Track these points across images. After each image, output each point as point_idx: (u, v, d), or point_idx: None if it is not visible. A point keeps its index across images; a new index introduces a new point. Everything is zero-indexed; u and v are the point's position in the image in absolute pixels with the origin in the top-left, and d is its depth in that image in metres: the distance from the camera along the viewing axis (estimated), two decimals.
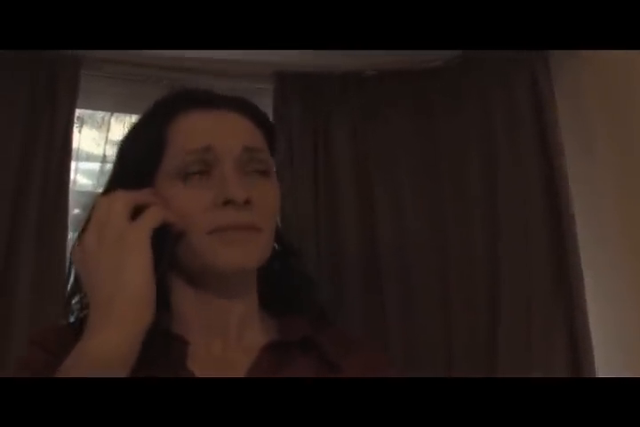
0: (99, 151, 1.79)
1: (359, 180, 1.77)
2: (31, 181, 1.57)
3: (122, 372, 0.65)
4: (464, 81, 1.76)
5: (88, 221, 0.74)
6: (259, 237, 0.75)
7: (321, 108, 1.78)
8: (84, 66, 1.66)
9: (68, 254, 1.63)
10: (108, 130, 1.80)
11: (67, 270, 0.82)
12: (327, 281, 1.69)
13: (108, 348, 0.65)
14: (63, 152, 1.62)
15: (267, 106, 1.76)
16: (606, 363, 1.56)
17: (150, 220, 0.71)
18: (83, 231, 0.75)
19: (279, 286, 0.87)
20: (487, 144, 1.72)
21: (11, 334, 1.48)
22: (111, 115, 1.80)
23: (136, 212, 0.72)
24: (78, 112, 1.71)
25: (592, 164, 1.61)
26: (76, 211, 1.77)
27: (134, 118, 1.79)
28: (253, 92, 1.84)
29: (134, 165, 0.79)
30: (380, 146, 1.78)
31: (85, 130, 1.79)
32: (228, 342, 0.79)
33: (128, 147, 0.83)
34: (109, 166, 1.76)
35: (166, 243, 0.74)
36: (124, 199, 0.71)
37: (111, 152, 1.80)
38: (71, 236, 1.70)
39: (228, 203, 0.73)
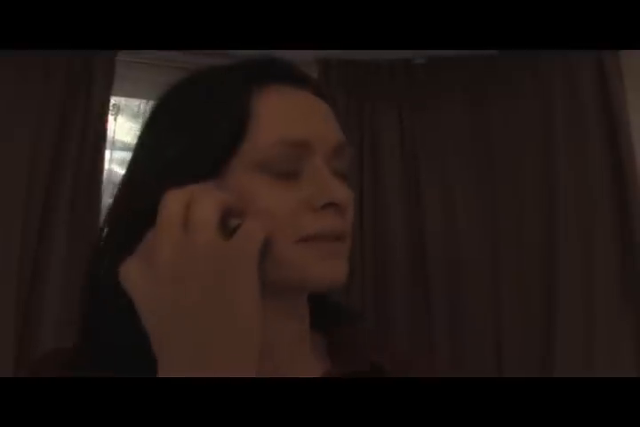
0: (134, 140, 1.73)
1: (406, 174, 1.68)
2: (64, 170, 1.52)
3: None
4: (522, 70, 1.65)
5: (128, 218, 0.56)
6: (347, 248, 0.61)
7: (367, 97, 1.69)
8: (120, 52, 1.60)
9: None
10: (144, 118, 1.73)
11: (89, 289, 0.60)
12: (372, 278, 1.62)
13: None
14: (97, 140, 1.56)
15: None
16: None
17: (256, 240, 0.52)
18: (119, 233, 0.57)
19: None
20: (546, 139, 1.61)
21: (38, 334, 1.44)
22: (147, 103, 1.73)
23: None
24: (114, 100, 1.65)
25: None
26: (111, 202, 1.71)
27: None
28: None
29: (198, 146, 0.57)
30: (430, 139, 1.69)
31: (121, 119, 1.73)
32: (278, 364, 0.64)
33: (185, 117, 0.60)
34: None
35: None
36: (217, 203, 0.52)
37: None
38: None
39: (327, 206, 0.58)
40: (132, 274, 0.51)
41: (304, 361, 0.66)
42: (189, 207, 0.51)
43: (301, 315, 0.66)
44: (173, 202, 0.51)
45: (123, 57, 1.61)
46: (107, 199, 1.64)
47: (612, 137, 1.54)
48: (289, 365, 0.65)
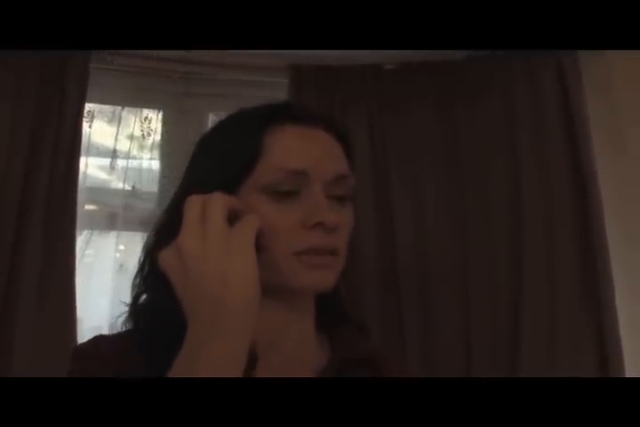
0: (110, 146, 1.75)
1: (377, 178, 1.72)
2: (39, 171, 1.53)
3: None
4: (488, 75, 1.70)
5: (168, 221, 0.75)
6: (337, 261, 0.76)
7: (338, 102, 1.73)
8: (94, 59, 1.62)
9: (78, 253, 1.58)
10: (119, 124, 1.75)
11: (140, 273, 0.80)
12: (342, 282, 1.64)
13: (222, 363, 0.63)
14: (72, 147, 1.57)
15: (281, 100, 1.71)
16: (634, 364, 1.53)
17: (252, 225, 0.68)
18: (162, 232, 0.76)
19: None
20: (511, 143, 1.66)
21: (14, 334, 1.46)
22: (122, 109, 1.75)
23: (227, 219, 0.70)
24: (89, 106, 1.66)
25: (624, 166, 1.57)
26: (87, 207, 1.73)
27: (145, 112, 1.80)
28: (268, 85, 1.80)
29: (221, 169, 0.76)
30: (399, 143, 1.72)
31: (96, 125, 1.74)
32: (285, 357, 0.78)
33: (215, 148, 0.80)
34: (120, 162, 1.77)
35: None
36: (223, 202, 0.68)
37: (123, 147, 1.76)
38: (83, 233, 1.66)
39: (317, 225, 0.73)
40: (167, 258, 0.67)
41: (309, 353, 0.81)
42: (205, 206, 0.68)
43: (307, 314, 0.82)
44: (193, 203, 0.68)
45: (95, 64, 1.63)
46: (83, 202, 1.66)
47: (572, 137, 1.59)
48: (295, 357, 0.79)
